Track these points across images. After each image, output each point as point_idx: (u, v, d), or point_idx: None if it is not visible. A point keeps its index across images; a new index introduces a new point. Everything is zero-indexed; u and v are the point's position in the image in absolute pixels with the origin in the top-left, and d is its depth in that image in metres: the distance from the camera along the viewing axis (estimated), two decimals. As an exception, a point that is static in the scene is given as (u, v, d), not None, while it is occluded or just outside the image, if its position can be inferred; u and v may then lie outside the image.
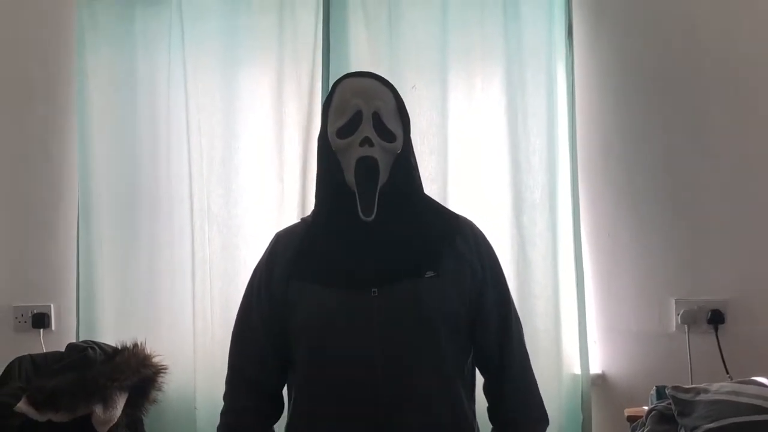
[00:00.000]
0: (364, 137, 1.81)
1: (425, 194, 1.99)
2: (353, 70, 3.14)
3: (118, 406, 2.87)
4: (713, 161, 3.19)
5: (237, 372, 1.96)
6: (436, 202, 2.03)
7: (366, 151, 1.80)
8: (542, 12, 3.18)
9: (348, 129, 1.83)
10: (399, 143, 1.86)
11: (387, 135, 1.83)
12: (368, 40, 3.26)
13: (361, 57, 3.24)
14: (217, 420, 3.06)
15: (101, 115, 3.36)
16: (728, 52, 3.20)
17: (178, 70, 3.32)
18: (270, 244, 1.99)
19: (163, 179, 3.35)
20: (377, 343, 1.78)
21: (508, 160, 3.18)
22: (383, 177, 1.83)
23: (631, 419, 2.81)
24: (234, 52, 3.32)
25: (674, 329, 3.19)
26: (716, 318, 3.14)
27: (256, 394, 1.93)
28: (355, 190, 1.82)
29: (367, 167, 1.81)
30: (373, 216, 1.80)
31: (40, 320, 3.39)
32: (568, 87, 3.20)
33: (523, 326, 3.05)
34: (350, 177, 1.82)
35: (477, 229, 1.99)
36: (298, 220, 2.07)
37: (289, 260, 1.90)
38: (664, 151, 3.22)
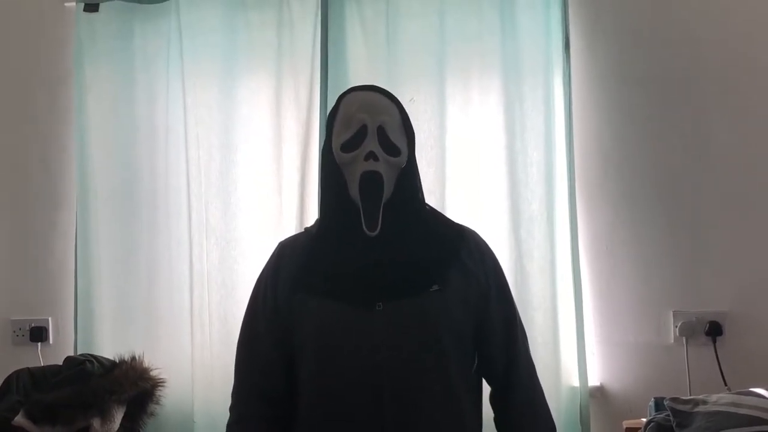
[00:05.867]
0: (369, 152, 1.81)
1: (429, 206, 2.00)
2: (351, 84, 3.16)
3: (115, 420, 2.88)
4: (712, 173, 3.20)
5: (244, 381, 1.94)
6: (440, 214, 2.03)
7: (370, 165, 1.81)
8: (539, 25, 3.20)
9: (353, 143, 1.83)
10: (403, 158, 1.86)
11: (392, 149, 1.84)
12: (366, 53, 3.27)
13: (359, 71, 3.25)
14: (216, 433, 3.08)
15: (100, 129, 3.37)
16: (726, 63, 3.21)
17: (176, 84, 3.33)
18: (274, 254, 1.98)
19: (161, 192, 3.35)
20: (382, 358, 1.78)
21: (505, 172, 3.19)
22: (387, 191, 1.83)
23: (630, 431, 2.80)
24: (232, 65, 3.33)
25: (672, 341, 3.19)
26: (714, 330, 3.14)
27: (263, 404, 1.90)
28: (359, 205, 1.82)
29: (371, 182, 1.81)
30: (377, 231, 1.80)
31: (38, 334, 3.38)
32: (565, 100, 3.21)
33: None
34: (354, 191, 1.82)
35: (481, 240, 1.99)
36: (302, 230, 2.07)
37: (294, 272, 1.90)
38: (663, 164, 3.22)
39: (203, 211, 3.29)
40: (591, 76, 3.27)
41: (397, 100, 1.92)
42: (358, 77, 3.21)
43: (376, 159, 1.81)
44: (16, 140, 3.46)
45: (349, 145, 1.84)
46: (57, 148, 3.45)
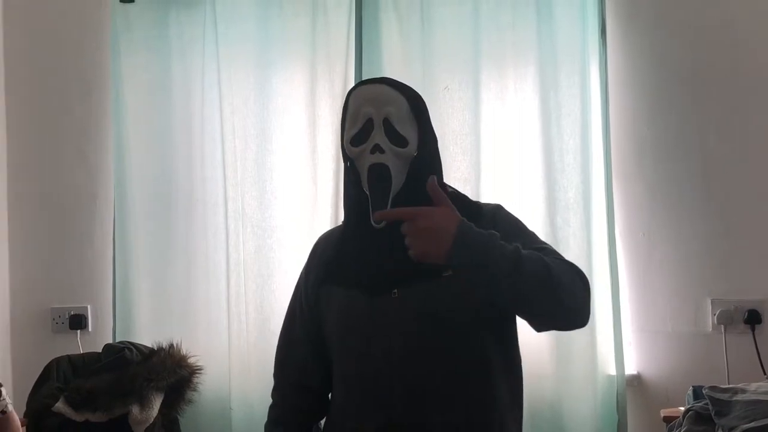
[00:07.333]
0: (375, 144, 1.82)
1: (452, 189, 1.98)
2: (386, 71, 3.19)
3: (154, 407, 2.91)
4: (750, 159, 3.17)
5: (281, 370, 2.02)
6: (463, 197, 2.00)
7: (377, 158, 1.82)
8: (575, 11, 3.18)
9: (360, 137, 1.84)
10: (412, 147, 1.86)
11: (399, 140, 1.84)
12: (400, 41, 3.27)
13: (393, 58, 3.26)
14: (252, 420, 3.13)
15: (136, 118, 3.39)
16: (764, 50, 3.17)
17: (212, 73, 3.35)
18: (311, 249, 2.04)
19: (197, 181, 3.38)
20: (399, 344, 1.80)
21: (541, 160, 3.17)
22: (397, 182, 1.83)
23: (668, 420, 2.79)
24: (267, 54, 3.35)
25: (711, 329, 3.16)
26: (753, 318, 3.11)
27: (298, 392, 1.98)
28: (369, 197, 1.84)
29: (377, 174, 1.82)
30: (383, 223, 1.81)
31: (78, 321, 3.42)
32: (601, 86, 3.19)
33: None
34: (365, 184, 1.84)
35: (499, 211, 1.93)
36: (340, 224, 2.09)
37: (321, 264, 1.95)
38: (699, 150, 3.19)
39: (239, 200, 3.31)
40: (628, 63, 3.24)
41: (407, 90, 1.90)
42: (392, 65, 3.22)
43: (381, 151, 1.81)
44: (55, 132, 3.50)
45: (358, 139, 1.85)
46: (94, 138, 3.48)
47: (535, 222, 3.10)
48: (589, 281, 1.73)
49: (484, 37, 3.21)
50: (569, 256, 3.04)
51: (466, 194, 2.02)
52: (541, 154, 3.17)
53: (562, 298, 1.65)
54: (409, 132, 1.85)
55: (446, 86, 3.14)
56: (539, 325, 1.75)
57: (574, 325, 1.75)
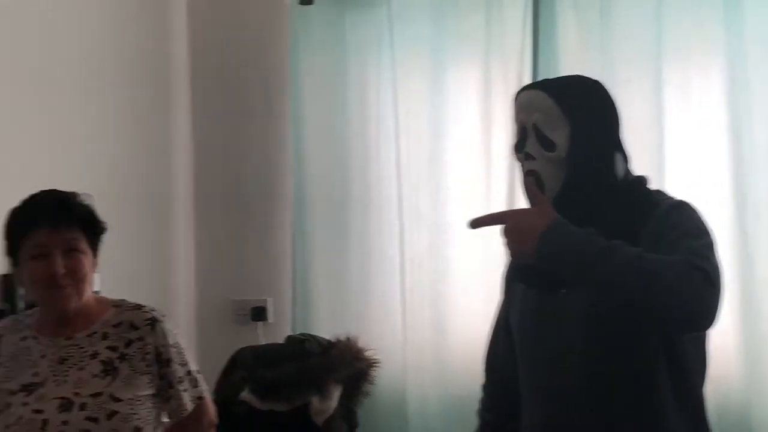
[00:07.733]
0: (525, 153, 1.87)
1: (641, 184, 1.94)
2: (562, 65, 3.16)
3: (333, 398, 2.98)
4: None
5: (485, 367, 2.14)
6: (643, 193, 1.94)
7: (528, 165, 1.86)
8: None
9: (519, 145, 1.90)
10: (561, 150, 1.84)
11: (548, 145, 1.85)
12: (578, 34, 3.20)
13: (570, 52, 3.20)
14: (427, 416, 3.17)
15: (314, 118, 3.49)
16: None
17: (387, 74, 3.41)
18: None
19: (372, 179, 3.45)
20: (563, 343, 1.83)
21: (729, 155, 3.02)
22: (553, 186, 1.83)
23: None
24: (441, 54, 3.36)
25: None
26: None
27: (500, 388, 2.07)
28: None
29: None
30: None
31: (259, 314, 3.56)
32: (797, 78, 3.01)
33: (746, 329, 2.92)
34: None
35: (673, 210, 1.84)
36: None
37: (513, 263, 2.02)
38: None
39: (414, 198, 3.35)
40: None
41: (558, 90, 1.87)
42: (570, 60, 3.18)
43: (532, 158, 1.85)
44: (237, 131, 3.64)
45: (518, 147, 1.90)
46: (274, 137, 3.61)
47: (723, 221, 2.94)
48: (719, 280, 1.65)
49: (667, 27, 3.09)
50: (760, 254, 2.94)
51: (658, 189, 1.98)
52: (730, 150, 3.01)
53: (660, 294, 1.60)
54: (560, 134, 1.85)
55: (627, 78, 3.06)
56: (653, 326, 1.73)
57: (685, 324, 1.69)
